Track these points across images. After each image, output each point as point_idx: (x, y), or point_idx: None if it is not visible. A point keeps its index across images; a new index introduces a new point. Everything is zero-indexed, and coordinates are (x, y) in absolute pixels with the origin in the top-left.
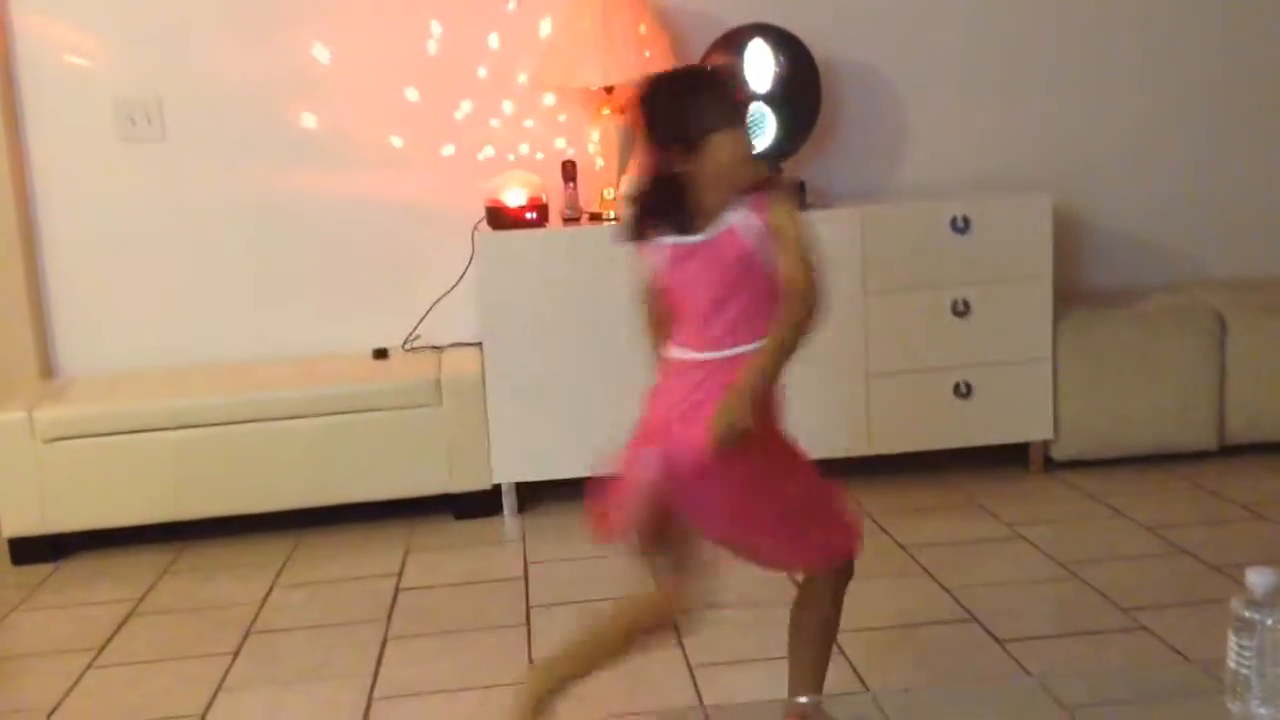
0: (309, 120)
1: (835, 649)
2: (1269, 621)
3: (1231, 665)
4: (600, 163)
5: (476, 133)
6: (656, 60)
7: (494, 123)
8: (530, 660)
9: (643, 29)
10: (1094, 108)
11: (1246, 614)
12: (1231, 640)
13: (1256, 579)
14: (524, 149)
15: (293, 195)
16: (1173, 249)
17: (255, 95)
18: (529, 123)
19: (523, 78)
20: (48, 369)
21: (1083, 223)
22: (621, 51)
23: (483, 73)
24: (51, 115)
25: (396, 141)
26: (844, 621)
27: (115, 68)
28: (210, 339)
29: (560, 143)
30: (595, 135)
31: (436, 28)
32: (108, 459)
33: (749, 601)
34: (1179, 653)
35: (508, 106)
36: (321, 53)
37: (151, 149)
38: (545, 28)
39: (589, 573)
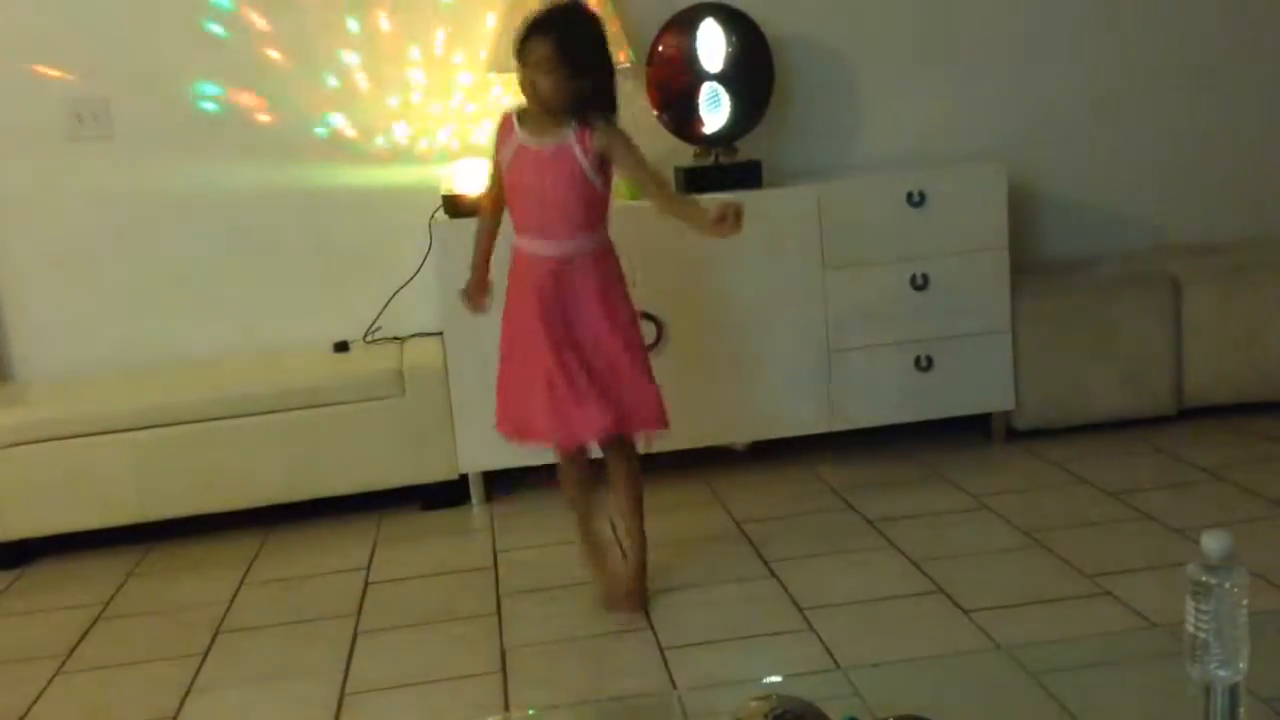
0: (260, 114)
1: (805, 625)
2: (1225, 585)
3: (1190, 629)
4: None
5: (429, 121)
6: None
7: (446, 110)
8: (502, 650)
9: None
10: (1045, 78)
11: (1203, 578)
12: (1189, 604)
13: (1212, 543)
14: (477, 136)
15: (246, 190)
16: (1127, 216)
17: (203, 90)
18: (481, 109)
19: (476, 62)
20: (3, 373)
21: (1037, 193)
22: None
23: (433, 60)
24: None
25: (349, 133)
26: (812, 598)
27: (62, 67)
28: (166, 338)
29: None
30: None
31: (384, 21)
32: (68, 463)
33: (718, 581)
34: (1143, 617)
35: (459, 94)
36: (270, 46)
37: (100, 147)
38: (493, 12)
39: (558, 559)
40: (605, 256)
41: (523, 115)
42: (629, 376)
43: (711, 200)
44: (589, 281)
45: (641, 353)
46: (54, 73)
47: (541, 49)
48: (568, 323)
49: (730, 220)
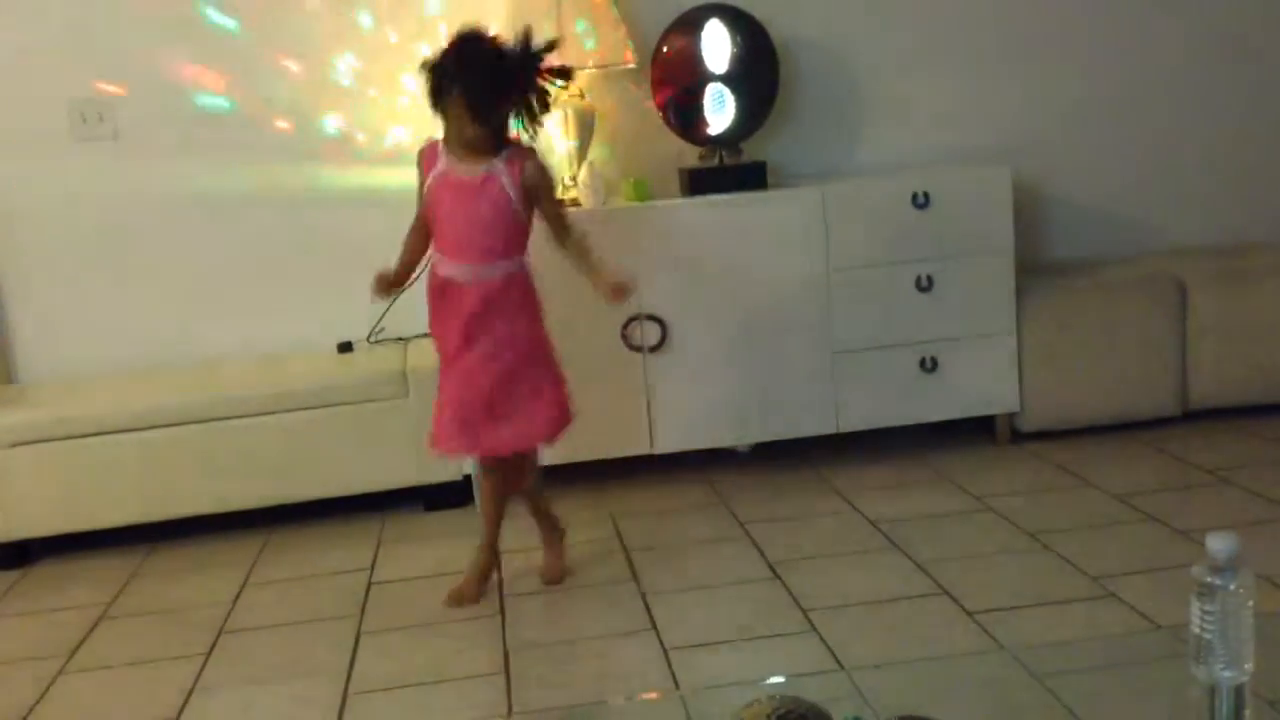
0: (264, 114)
1: (808, 627)
2: (1230, 586)
3: (1195, 630)
4: (558, 148)
5: (433, 123)
6: (612, 44)
7: None
8: (505, 651)
9: (596, 10)
10: (1050, 79)
11: (1208, 579)
12: (1194, 605)
13: (1217, 544)
14: None
15: (249, 190)
16: (1131, 218)
17: (206, 91)
18: None
19: None
20: (7, 374)
21: (1042, 195)
22: (576, 34)
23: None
24: (2, 116)
25: (353, 134)
26: (817, 599)
27: (65, 67)
28: (170, 338)
29: (516, 127)
30: (552, 119)
31: (387, 22)
32: (72, 463)
33: (721, 582)
34: (1147, 619)
35: None
36: (274, 47)
37: (104, 148)
38: (497, 12)
39: None
40: (525, 282)
41: (448, 141)
42: (538, 387)
43: (712, 200)
44: (509, 305)
45: (556, 366)
46: (58, 73)
47: (459, 101)
48: (493, 340)
49: (623, 293)
